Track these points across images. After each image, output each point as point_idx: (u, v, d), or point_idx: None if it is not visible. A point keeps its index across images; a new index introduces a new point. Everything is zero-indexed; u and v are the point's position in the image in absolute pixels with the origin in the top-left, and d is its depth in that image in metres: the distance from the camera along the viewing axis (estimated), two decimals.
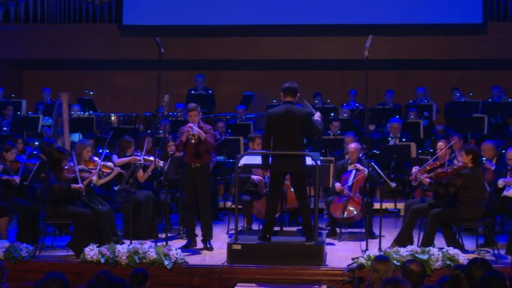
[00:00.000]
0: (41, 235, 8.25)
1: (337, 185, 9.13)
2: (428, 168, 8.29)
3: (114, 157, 9.26)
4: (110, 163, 8.79)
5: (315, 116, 7.97)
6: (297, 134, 7.73)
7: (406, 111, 12.89)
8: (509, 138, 11.34)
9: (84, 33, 14.75)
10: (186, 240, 8.55)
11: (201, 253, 8.19)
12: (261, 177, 9.17)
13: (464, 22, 14.09)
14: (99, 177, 8.55)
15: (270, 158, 7.74)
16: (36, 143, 10.29)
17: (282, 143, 7.65)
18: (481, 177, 8.13)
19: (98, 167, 8.38)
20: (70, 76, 15.23)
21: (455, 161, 8.66)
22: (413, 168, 8.41)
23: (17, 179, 8.63)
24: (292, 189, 8.23)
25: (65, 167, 8.10)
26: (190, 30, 14.51)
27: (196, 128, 8.20)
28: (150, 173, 9.13)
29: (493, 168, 9.01)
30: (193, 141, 8.17)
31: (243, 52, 14.59)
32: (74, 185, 8.00)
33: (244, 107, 13.14)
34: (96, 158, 8.58)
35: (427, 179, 8.16)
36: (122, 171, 8.84)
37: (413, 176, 8.32)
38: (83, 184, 8.08)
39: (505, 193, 8.37)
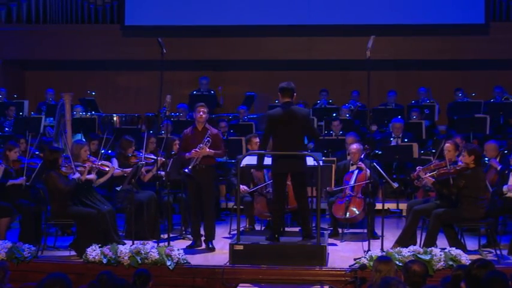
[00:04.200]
0: (43, 235, 8.25)
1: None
2: (432, 167, 8.26)
3: (114, 160, 9.27)
4: (107, 162, 8.84)
5: None
6: (298, 135, 7.72)
7: (408, 111, 12.88)
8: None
9: (86, 34, 14.76)
10: (187, 241, 8.58)
11: (203, 253, 8.19)
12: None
13: (466, 22, 14.08)
14: (97, 175, 8.59)
15: (271, 159, 7.75)
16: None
17: (282, 144, 7.64)
18: (483, 177, 8.11)
19: (96, 161, 8.47)
20: (72, 76, 15.26)
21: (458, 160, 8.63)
22: (417, 167, 8.39)
23: (23, 180, 8.66)
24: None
25: (63, 165, 8.15)
26: (192, 30, 14.52)
27: (202, 146, 8.25)
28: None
29: (499, 167, 8.96)
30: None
31: (244, 52, 14.59)
32: (73, 176, 8.04)
33: (246, 108, 13.14)
34: (93, 158, 8.63)
35: (431, 178, 8.15)
36: (119, 170, 8.87)
37: (416, 173, 8.29)
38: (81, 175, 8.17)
39: (508, 194, 8.36)
